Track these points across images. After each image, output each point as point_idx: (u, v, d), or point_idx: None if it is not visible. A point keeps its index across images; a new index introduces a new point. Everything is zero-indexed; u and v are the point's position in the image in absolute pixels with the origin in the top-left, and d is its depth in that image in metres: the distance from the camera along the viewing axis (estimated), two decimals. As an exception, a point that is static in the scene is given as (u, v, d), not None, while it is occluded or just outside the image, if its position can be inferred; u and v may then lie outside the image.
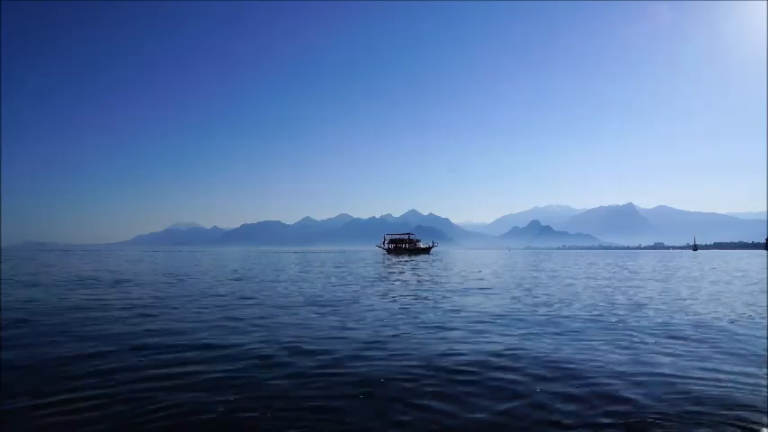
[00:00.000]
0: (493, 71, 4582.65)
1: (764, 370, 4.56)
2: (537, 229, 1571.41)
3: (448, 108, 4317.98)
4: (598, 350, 5.26)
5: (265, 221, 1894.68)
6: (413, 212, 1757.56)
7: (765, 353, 5.27)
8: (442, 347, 5.34)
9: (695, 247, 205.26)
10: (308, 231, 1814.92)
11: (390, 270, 22.45)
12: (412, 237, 71.42)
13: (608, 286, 13.87)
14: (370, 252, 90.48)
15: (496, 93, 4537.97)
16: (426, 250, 70.68)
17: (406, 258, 43.81)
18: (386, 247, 71.96)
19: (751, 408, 3.47)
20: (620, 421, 3.21)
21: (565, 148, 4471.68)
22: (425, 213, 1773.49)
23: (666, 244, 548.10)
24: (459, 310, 8.35)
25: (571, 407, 3.45)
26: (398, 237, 72.71)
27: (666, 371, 4.41)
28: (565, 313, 8.13)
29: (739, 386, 3.98)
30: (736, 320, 7.50)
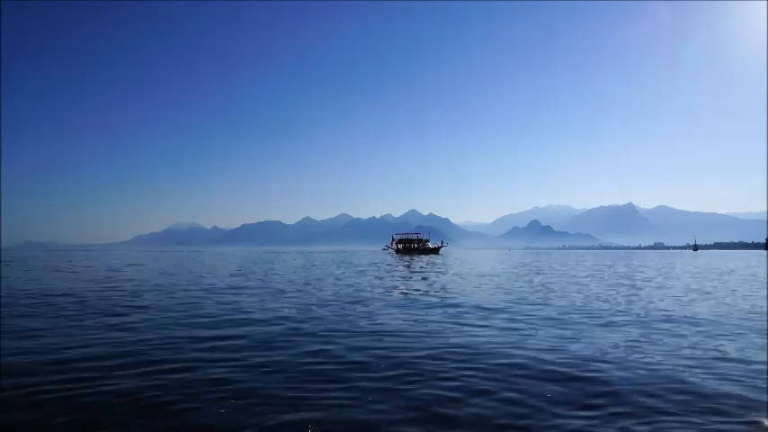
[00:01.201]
0: (493, 71, 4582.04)
1: None
2: (537, 229, 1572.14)
3: (448, 108, 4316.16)
4: None
5: (265, 221, 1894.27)
6: (413, 212, 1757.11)
7: None
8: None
9: (695, 247, 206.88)
10: (308, 231, 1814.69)
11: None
12: (421, 236, 71.51)
13: None
14: (371, 252, 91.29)
15: (496, 93, 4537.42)
16: (436, 250, 70.50)
17: (423, 259, 45.07)
18: (394, 247, 71.96)
19: None
20: None
21: (565, 148, 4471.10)
22: (425, 213, 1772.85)
23: (666, 244, 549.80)
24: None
25: None
26: (407, 237, 72.54)
27: None
28: None
29: None
30: None
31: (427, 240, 71.26)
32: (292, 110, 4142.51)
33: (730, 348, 5.63)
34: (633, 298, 11.06)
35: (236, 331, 6.55)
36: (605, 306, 9.47)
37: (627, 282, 16.36)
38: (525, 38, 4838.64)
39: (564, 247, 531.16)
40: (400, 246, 71.11)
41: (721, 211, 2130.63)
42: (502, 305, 9.54)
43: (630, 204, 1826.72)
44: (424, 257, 48.28)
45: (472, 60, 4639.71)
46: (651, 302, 10.20)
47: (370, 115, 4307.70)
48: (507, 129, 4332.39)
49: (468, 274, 20.52)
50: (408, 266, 27.03)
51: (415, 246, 70.04)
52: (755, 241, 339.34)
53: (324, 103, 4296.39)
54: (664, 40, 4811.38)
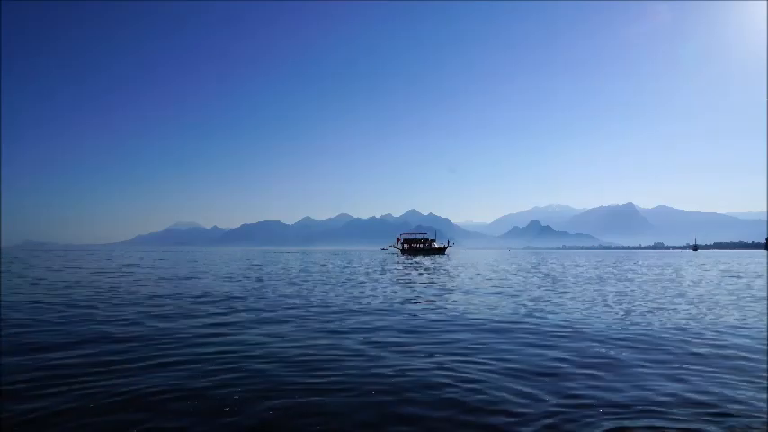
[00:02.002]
0: (493, 71, 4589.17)
1: None
2: (537, 229, 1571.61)
3: (448, 108, 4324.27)
4: None
5: (265, 221, 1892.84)
6: (413, 212, 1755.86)
7: None
8: None
9: (695, 247, 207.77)
10: (308, 231, 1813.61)
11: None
12: (426, 237, 71.47)
13: None
14: (372, 252, 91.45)
15: (496, 93, 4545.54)
16: (442, 250, 70.59)
17: (427, 260, 45.57)
18: (400, 247, 72.09)
19: None
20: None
21: (565, 148, 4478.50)
22: (425, 213, 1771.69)
23: (666, 244, 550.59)
24: None
25: None
26: (413, 237, 72.57)
27: None
28: None
29: None
30: None
31: (433, 240, 71.09)
32: (292, 110, 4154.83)
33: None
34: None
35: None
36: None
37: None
38: (525, 38, 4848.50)
39: (564, 247, 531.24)
40: (406, 246, 71.32)
41: (721, 211, 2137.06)
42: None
43: (630, 204, 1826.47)
44: (430, 258, 48.51)
45: (472, 60, 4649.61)
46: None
47: (370, 115, 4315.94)
48: (507, 129, 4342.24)
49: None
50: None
51: (421, 246, 70.20)
52: (755, 241, 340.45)
53: (324, 103, 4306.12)
54: (664, 40, 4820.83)
